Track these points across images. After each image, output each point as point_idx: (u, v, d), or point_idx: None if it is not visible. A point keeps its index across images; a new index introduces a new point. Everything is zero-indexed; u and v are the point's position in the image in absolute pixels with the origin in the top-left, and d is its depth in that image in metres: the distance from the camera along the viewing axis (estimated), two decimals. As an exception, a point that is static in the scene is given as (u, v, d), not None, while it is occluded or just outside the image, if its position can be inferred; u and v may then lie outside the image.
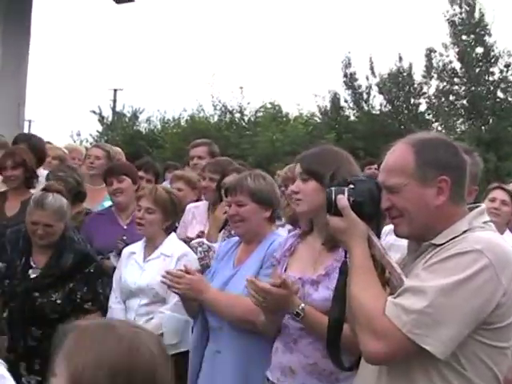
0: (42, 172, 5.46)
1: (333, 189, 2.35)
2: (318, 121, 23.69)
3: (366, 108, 23.51)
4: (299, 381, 2.86)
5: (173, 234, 4.34)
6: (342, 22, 48.55)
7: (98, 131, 29.46)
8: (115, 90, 32.94)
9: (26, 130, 14.85)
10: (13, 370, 2.39)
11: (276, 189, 3.58)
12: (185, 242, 4.52)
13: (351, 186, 2.34)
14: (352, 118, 23.77)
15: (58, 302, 4.02)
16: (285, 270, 2.98)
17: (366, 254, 2.26)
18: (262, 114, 23.39)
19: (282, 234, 3.66)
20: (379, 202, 2.28)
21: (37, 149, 5.56)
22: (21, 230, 4.17)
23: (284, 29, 62.51)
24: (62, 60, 72.99)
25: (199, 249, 4.53)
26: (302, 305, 2.77)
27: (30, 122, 35.71)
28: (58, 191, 4.10)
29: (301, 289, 2.83)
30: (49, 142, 7.37)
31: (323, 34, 51.73)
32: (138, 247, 4.28)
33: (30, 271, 4.10)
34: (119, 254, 4.43)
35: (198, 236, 4.80)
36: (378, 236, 2.36)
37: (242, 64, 55.14)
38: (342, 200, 2.30)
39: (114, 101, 32.25)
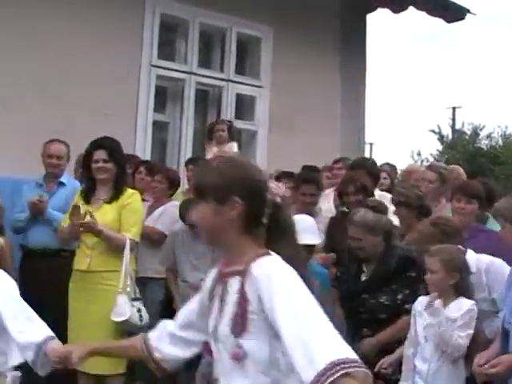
0: (379, 193, 5.69)
1: None
2: None
3: None
4: None
5: None
6: None
7: (437, 150, 29.46)
8: (454, 108, 32.66)
9: (367, 153, 15.56)
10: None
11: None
12: None
13: None
14: None
15: (386, 303, 4.25)
16: None
17: None
18: None
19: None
20: None
21: (373, 172, 5.82)
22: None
23: None
24: (400, 82, 74.56)
25: None
26: None
27: (371, 145, 37.03)
28: (375, 207, 4.39)
29: None
30: (390, 165, 7.53)
31: None
32: None
33: (362, 275, 4.44)
34: None
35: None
36: None
37: None
38: None
39: (453, 119, 31.99)
